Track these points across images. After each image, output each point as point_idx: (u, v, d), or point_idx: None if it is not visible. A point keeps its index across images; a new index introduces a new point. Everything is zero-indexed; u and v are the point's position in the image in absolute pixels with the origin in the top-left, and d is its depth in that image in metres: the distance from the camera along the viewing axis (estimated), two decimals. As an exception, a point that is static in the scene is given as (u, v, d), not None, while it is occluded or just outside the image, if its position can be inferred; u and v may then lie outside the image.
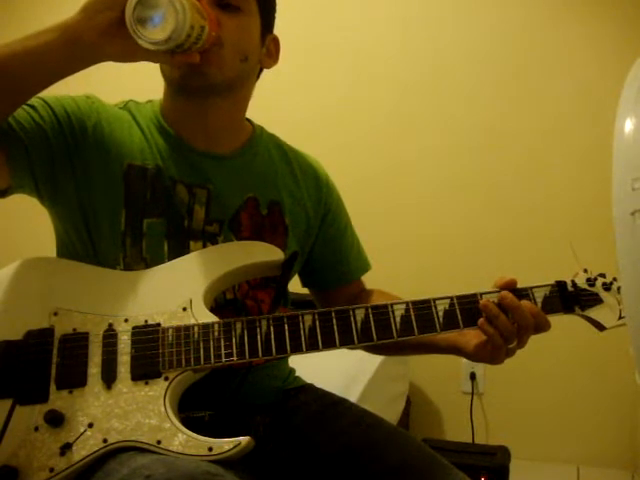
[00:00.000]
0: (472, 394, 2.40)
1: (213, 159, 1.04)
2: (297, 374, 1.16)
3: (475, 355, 0.98)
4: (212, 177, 1.03)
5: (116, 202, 0.97)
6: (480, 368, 2.38)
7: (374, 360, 1.95)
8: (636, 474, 2.21)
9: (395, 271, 2.20)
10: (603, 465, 2.26)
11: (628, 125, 0.78)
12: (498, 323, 0.93)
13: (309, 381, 1.16)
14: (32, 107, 0.94)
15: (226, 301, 1.02)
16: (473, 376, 2.39)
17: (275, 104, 2.09)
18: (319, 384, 1.16)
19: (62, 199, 0.98)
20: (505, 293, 0.94)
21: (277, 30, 1.10)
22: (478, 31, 2.41)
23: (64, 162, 0.96)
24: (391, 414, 2.07)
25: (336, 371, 1.67)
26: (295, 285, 1.18)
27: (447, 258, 2.40)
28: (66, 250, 1.02)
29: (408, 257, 2.44)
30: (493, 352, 0.95)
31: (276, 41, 1.10)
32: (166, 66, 0.98)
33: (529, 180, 2.35)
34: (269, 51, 1.08)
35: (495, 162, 2.39)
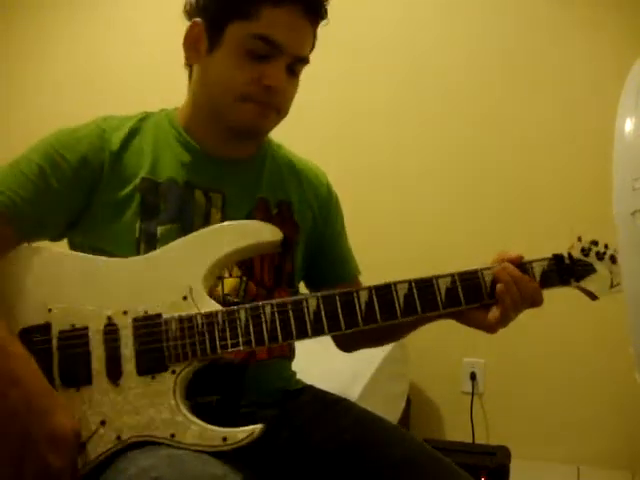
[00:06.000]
0: (472, 394, 2.39)
1: (230, 164, 1.08)
2: (298, 374, 1.16)
3: (472, 320, 0.98)
4: (227, 181, 1.06)
5: (131, 214, 0.99)
6: (480, 368, 2.38)
7: (374, 360, 1.95)
8: (636, 474, 2.21)
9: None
10: (603, 465, 2.26)
11: (628, 125, 0.78)
12: (512, 291, 0.95)
13: (309, 381, 1.16)
14: (40, 169, 0.95)
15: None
16: (473, 376, 2.39)
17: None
18: (319, 384, 1.15)
19: (78, 232, 1.02)
20: (507, 264, 0.96)
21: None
22: (486, 31, 2.42)
23: (82, 209, 0.99)
24: (391, 414, 2.07)
25: (336, 371, 1.67)
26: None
27: (445, 249, 2.38)
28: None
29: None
30: (499, 321, 0.95)
31: None
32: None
33: (527, 172, 2.36)
34: None
35: (493, 151, 2.40)
